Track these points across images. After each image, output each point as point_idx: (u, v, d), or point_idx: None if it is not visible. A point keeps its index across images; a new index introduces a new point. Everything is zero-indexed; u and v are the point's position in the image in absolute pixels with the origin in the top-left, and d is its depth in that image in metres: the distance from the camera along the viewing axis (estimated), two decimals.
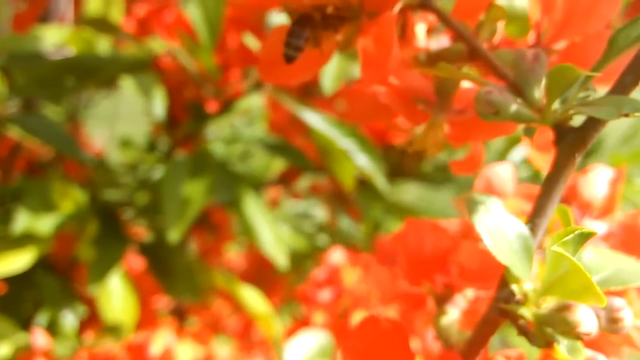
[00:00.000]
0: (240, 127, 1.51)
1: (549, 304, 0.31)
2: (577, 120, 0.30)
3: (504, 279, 0.31)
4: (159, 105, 0.96)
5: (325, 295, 0.87)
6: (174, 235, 0.75)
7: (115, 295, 0.83)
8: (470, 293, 0.38)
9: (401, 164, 1.30)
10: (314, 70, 0.37)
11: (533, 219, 0.31)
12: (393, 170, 1.25)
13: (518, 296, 0.31)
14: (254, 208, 0.89)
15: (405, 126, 0.38)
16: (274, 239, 0.86)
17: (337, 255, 0.91)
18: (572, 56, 0.33)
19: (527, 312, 0.30)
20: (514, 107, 0.28)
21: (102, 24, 0.83)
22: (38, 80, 0.76)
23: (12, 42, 0.83)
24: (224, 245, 1.40)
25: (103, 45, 0.91)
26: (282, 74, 0.38)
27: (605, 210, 0.47)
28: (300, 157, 0.94)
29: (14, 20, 0.81)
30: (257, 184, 1.25)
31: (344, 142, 0.83)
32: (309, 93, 1.21)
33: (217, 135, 1.15)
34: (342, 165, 0.92)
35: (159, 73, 0.93)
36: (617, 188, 0.46)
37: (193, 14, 0.79)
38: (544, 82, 0.30)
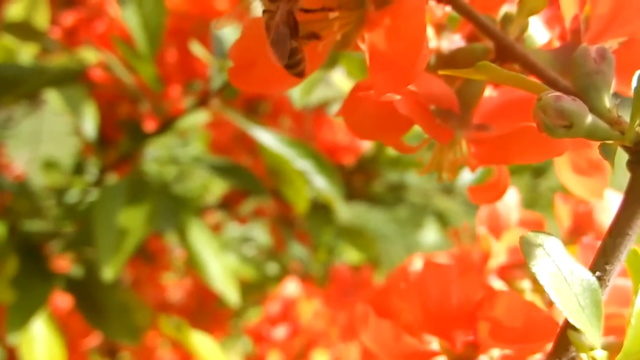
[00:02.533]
0: (175, 147, 1.40)
1: None
2: None
3: (563, 342, 0.24)
4: (89, 122, 0.85)
5: (280, 332, 0.79)
6: (108, 272, 0.65)
7: (39, 342, 0.72)
8: (496, 353, 0.30)
9: (350, 185, 1.24)
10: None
11: (602, 264, 0.24)
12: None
13: None
14: (199, 236, 0.80)
15: (407, 144, 0.30)
16: (223, 272, 0.77)
17: (291, 287, 0.83)
18: (630, 57, 0.27)
19: None
20: (590, 119, 0.21)
21: (24, 30, 0.72)
22: None
23: None
24: (160, 275, 1.29)
25: (25, 55, 0.80)
26: (259, 78, 0.30)
27: None
28: (250, 179, 0.86)
29: None
30: (197, 209, 1.15)
31: (300, 163, 0.75)
32: (253, 110, 1.13)
33: (151, 156, 1.05)
34: (295, 188, 0.84)
35: (89, 86, 0.83)
36: None
37: (130, 20, 0.70)
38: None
